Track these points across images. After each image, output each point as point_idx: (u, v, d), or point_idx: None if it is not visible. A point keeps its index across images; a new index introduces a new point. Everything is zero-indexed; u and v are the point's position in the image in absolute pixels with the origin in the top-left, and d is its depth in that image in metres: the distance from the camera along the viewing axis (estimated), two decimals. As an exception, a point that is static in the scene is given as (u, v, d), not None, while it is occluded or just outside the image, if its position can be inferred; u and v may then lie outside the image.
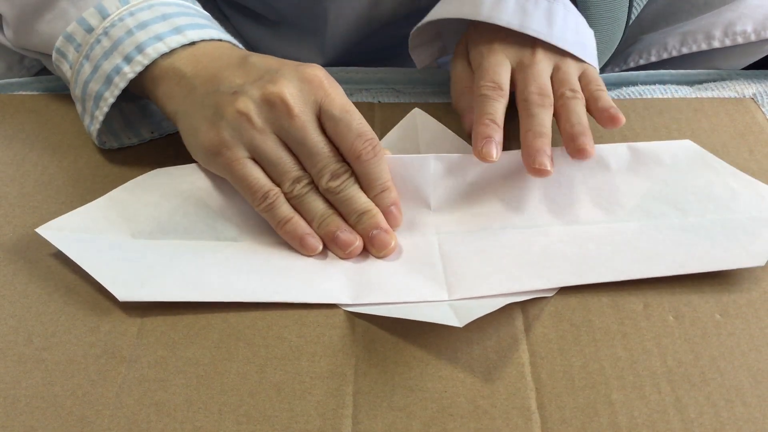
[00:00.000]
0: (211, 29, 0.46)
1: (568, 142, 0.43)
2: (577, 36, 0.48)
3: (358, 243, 0.42)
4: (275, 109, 0.40)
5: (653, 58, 0.60)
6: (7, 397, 0.35)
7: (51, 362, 0.36)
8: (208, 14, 0.48)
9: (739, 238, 0.41)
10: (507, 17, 0.47)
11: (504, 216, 0.44)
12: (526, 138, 0.43)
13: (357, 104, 0.53)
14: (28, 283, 0.40)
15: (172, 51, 0.44)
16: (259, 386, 0.35)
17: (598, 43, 0.50)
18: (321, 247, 0.42)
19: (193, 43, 0.44)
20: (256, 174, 0.41)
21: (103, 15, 0.45)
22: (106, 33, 0.44)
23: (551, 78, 0.47)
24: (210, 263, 0.41)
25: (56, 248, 0.41)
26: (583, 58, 0.48)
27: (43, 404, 0.34)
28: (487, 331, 0.38)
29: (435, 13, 0.50)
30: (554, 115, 0.45)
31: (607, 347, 0.37)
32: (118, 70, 0.44)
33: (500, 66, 0.47)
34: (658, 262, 0.40)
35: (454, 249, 0.42)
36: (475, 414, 0.34)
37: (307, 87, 0.41)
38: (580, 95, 0.46)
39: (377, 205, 0.42)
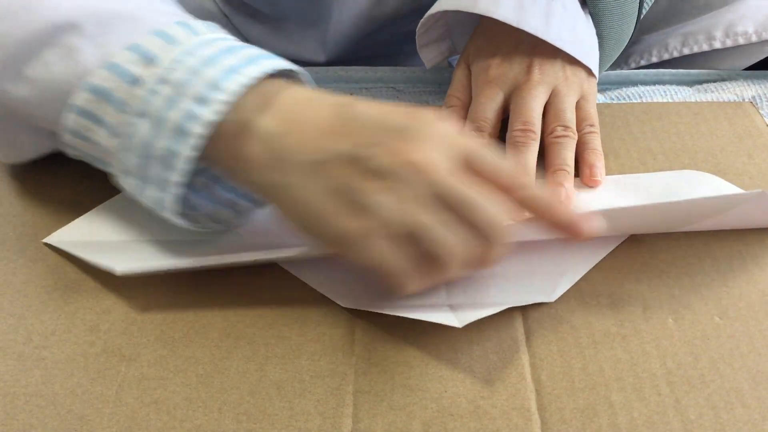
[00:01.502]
0: (279, 59, 0.38)
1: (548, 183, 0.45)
2: (575, 35, 0.48)
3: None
4: (417, 173, 0.33)
5: (654, 59, 0.61)
6: (7, 396, 0.35)
7: (50, 361, 0.36)
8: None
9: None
10: (504, 12, 0.46)
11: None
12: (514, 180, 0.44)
13: (358, 104, 0.54)
14: (28, 283, 0.40)
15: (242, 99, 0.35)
16: (259, 384, 0.35)
17: (608, 40, 0.50)
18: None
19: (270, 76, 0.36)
20: (398, 254, 0.33)
21: (151, 60, 0.35)
22: (163, 80, 0.35)
23: (546, 107, 0.47)
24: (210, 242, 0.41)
25: (56, 248, 0.41)
26: (578, 58, 0.48)
27: (43, 402, 0.34)
28: (487, 332, 0.38)
29: (436, 7, 0.50)
30: (542, 148, 0.46)
31: (607, 349, 0.37)
32: (191, 116, 0.34)
33: (488, 105, 0.47)
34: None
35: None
36: (476, 414, 0.34)
37: (444, 141, 0.34)
38: (572, 133, 0.46)
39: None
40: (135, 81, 0.35)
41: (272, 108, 0.35)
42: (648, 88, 0.56)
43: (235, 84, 0.34)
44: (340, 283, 0.40)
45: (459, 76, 0.51)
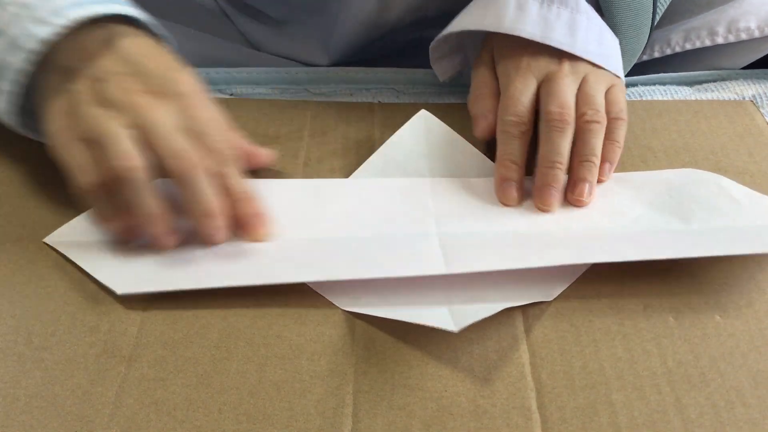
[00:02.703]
0: (129, 6, 0.42)
1: (570, 187, 0.45)
2: (601, 47, 0.48)
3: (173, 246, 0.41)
4: (135, 107, 0.39)
5: (656, 54, 0.60)
6: (7, 397, 0.35)
7: (51, 362, 0.36)
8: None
9: (743, 238, 0.41)
10: (529, 28, 0.46)
11: (506, 220, 0.44)
12: (540, 165, 0.44)
13: (357, 104, 0.54)
14: (28, 283, 0.40)
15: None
16: (259, 385, 0.35)
17: (623, 51, 0.50)
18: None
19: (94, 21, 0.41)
20: (86, 153, 0.39)
21: None
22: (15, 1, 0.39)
23: (577, 93, 0.46)
24: (205, 252, 0.41)
25: (56, 248, 0.41)
26: (607, 68, 0.47)
27: (43, 403, 0.34)
28: (487, 331, 0.38)
29: (456, 25, 0.50)
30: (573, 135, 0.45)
31: (608, 348, 0.37)
32: (28, 33, 0.38)
33: (525, 92, 0.46)
34: (658, 250, 0.40)
35: (454, 241, 0.42)
36: (476, 414, 0.34)
37: (175, 90, 0.40)
38: (602, 118, 0.45)
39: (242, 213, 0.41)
40: None
41: (102, 47, 0.40)
42: (648, 88, 0.56)
43: (75, 14, 0.39)
44: (338, 286, 0.40)
45: (482, 71, 0.51)
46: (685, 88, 0.57)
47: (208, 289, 0.39)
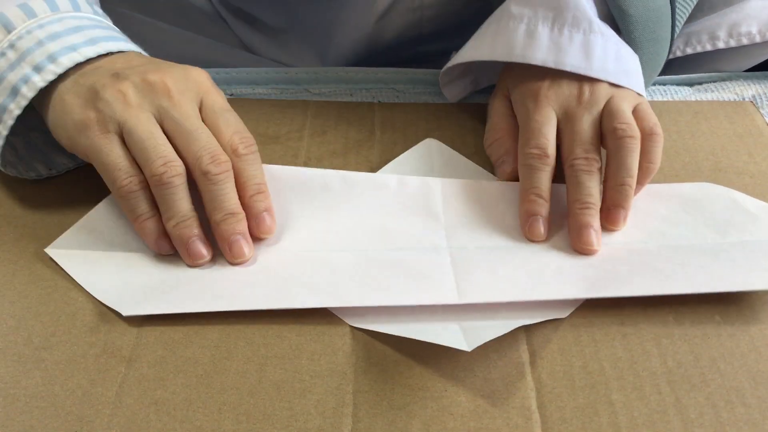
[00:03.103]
0: (126, 42, 0.44)
1: (604, 212, 0.43)
2: (619, 64, 0.46)
3: (208, 258, 0.40)
4: (155, 89, 0.40)
5: None
6: (7, 397, 0.35)
7: (50, 362, 0.36)
8: (117, 29, 0.46)
9: (760, 260, 0.40)
10: (541, 55, 0.45)
11: (517, 236, 0.43)
12: (572, 208, 0.42)
13: (357, 104, 0.54)
14: (28, 283, 0.40)
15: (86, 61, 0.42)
16: (259, 385, 0.35)
17: (644, 66, 0.48)
18: (208, 257, 0.40)
19: (109, 54, 0.43)
20: (119, 152, 0.39)
21: (8, 29, 0.41)
22: (12, 46, 0.41)
23: (602, 110, 0.44)
24: (206, 272, 0.40)
25: (58, 261, 0.41)
26: (628, 86, 0.45)
27: (43, 404, 0.34)
28: (487, 331, 0.38)
29: (466, 55, 0.49)
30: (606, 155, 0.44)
31: (607, 348, 0.37)
32: (26, 80, 0.40)
33: (546, 125, 0.44)
34: (676, 280, 0.39)
35: (465, 259, 0.41)
36: (476, 413, 0.34)
37: (192, 81, 0.41)
38: (635, 131, 0.43)
39: (250, 207, 0.41)
40: None
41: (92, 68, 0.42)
42: (648, 88, 0.56)
43: (69, 60, 0.41)
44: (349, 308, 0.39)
45: (497, 105, 0.49)
46: (685, 88, 0.57)
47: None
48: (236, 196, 0.40)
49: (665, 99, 0.55)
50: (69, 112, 0.40)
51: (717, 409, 0.34)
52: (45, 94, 0.41)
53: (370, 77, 0.57)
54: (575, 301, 0.39)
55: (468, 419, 0.34)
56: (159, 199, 0.39)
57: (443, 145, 0.49)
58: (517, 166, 0.45)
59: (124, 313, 0.38)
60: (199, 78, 0.42)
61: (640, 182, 0.44)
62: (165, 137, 0.40)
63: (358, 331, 0.38)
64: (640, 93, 0.46)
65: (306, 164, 0.48)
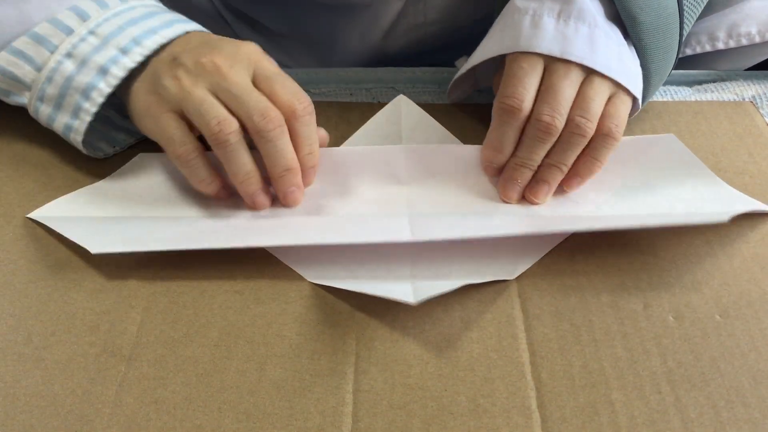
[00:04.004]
0: (189, 22, 0.47)
1: (530, 183, 0.45)
2: (621, 64, 0.45)
3: (269, 205, 0.44)
4: (206, 69, 0.42)
5: None
6: (7, 396, 0.35)
7: (50, 361, 0.36)
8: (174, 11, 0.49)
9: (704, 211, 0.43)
10: (547, 44, 0.44)
11: (474, 202, 0.45)
12: (512, 161, 0.45)
13: (356, 103, 0.54)
14: (28, 283, 0.40)
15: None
16: (259, 384, 0.35)
17: (651, 73, 0.48)
18: (269, 204, 0.44)
19: (186, 33, 0.45)
20: (175, 125, 0.42)
21: (83, 18, 0.44)
22: (92, 32, 0.44)
23: (576, 94, 0.44)
24: (182, 225, 0.43)
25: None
26: (627, 87, 0.45)
27: (43, 403, 0.34)
28: (487, 330, 0.38)
29: (477, 57, 0.48)
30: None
31: (608, 347, 0.37)
32: (115, 60, 0.43)
33: (530, 75, 0.44)
34: (617, 220, 0.42)
35: (422, 215, 0.44)
36: (476, 413, 0.34)
37: (242, 54, 0.43)
38: (589, 129, 0.43)
39: (303, 164, 0.44)
40: (70, 31, 0.44)
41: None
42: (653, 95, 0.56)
43: (152, 42, 0.44)
44: (306, 257, 0.41)
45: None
46: (685, 88, 0.57)
47: (207, 289, 0.40)
48: (291, 150, 0.43)
49: (665, 99, 0.55)
50: (136, 97, 0.44)
51: (717, 408, 0.34)
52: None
53: (370, 77, 0.57)
54: (524, 262, 0.41)
55: (468, 418, 0.34)
56: (222, 159, 0.42)
57: (413, 105, 0.51)
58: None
59: (93, 250, 0.39)
60: (249, 50, 0.44)
61: (581, 174, 0.45)
62: (219, 102, 0.42)
63: (358, 331, 0.38)
64: (638, 99, 0.46)
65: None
